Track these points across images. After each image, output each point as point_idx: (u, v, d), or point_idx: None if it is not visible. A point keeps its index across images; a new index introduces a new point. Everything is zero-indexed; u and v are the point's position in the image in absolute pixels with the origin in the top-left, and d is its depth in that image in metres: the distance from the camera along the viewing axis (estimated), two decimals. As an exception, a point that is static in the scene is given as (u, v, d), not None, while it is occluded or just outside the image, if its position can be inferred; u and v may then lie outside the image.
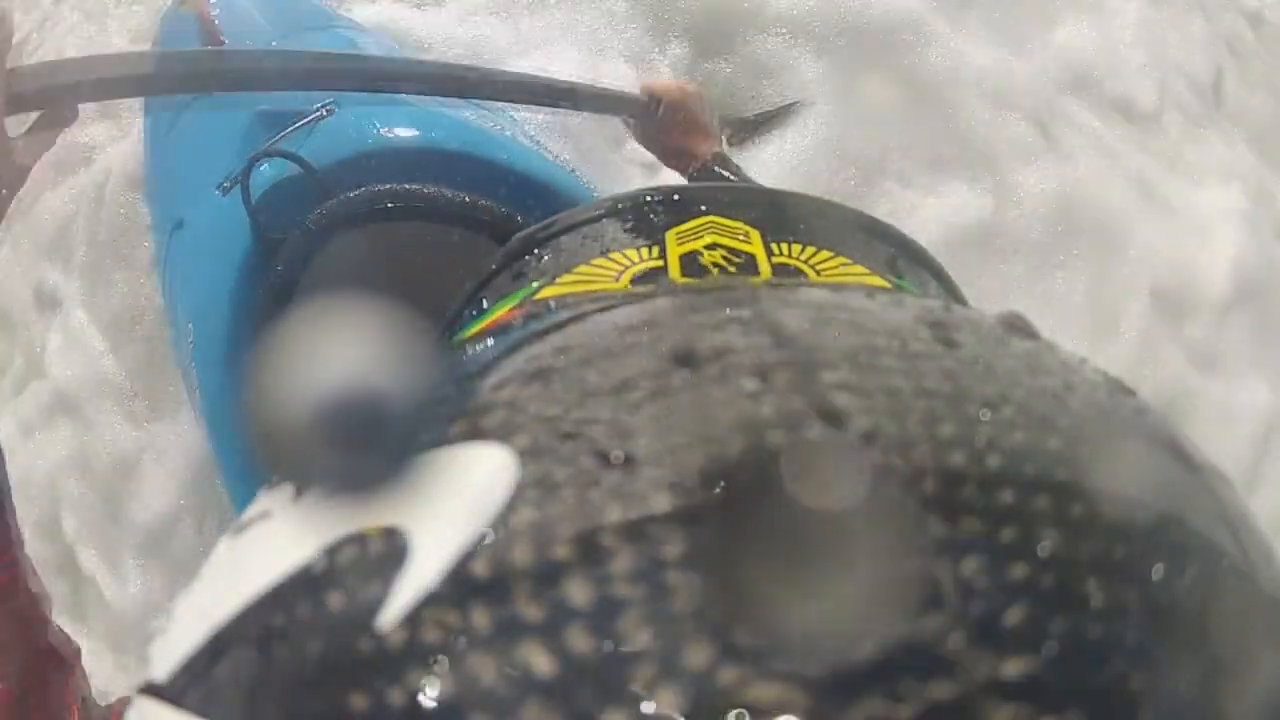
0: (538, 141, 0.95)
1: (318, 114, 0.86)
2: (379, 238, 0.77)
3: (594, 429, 0.22)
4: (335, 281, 0.76)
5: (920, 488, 0.20)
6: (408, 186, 0.77)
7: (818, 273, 0.40)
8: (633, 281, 0.39)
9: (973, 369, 0.24)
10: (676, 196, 0.46)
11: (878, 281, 0.41)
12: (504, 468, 0.21)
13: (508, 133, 0.91)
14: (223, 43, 1.02)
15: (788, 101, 1.30)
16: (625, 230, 0.44)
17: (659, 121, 0.87)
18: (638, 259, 0.41)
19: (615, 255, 0.42)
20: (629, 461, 0.21)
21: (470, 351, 0.27)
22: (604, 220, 0.45)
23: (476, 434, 0.22)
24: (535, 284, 0.43)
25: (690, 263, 0.40)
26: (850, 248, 0.42)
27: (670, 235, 0.42)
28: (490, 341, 0.27)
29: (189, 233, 0.91)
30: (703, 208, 0.44)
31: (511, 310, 0.41)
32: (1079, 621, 0.19)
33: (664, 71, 1.43)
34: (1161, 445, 0.25)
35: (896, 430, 0.21)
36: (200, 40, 1.05)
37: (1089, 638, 0.19)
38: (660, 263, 0.40)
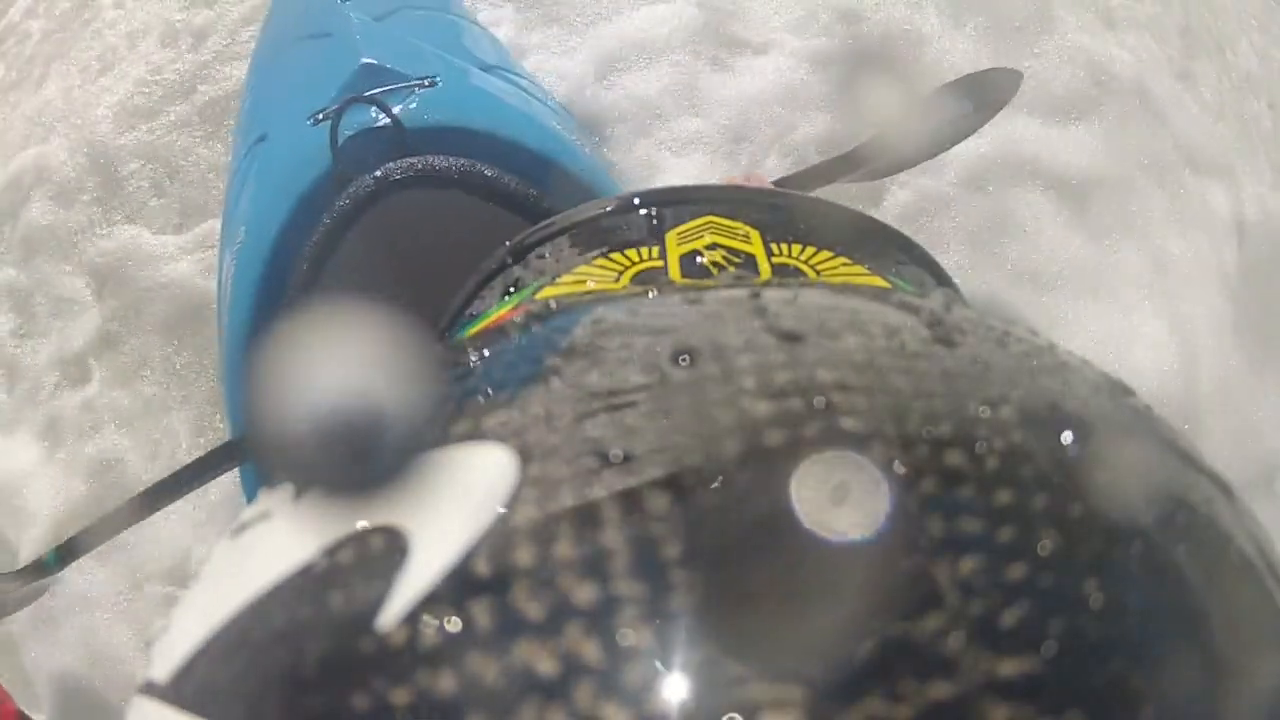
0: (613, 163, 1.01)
1: (420, 81, 0.92)
2: (437, 203, 0.80)
3: (593, 428, 0.21)
4: (386, 231, 0.80)
5: (919, 487, 0.20)
6: (480, 165, 0.80)
7: (817, 273, 0.39)
8: (633, 281, 0.39)
9: (971, 369, 0.24)
10: (677, 197, 0.45)
11: (878, 281, 0.40)
12: (504, 467, 0.21)
13: (588, 149, 0.97)
14: None
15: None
16: (625, 230, 0.43)
17: None
18: (638, 259, 0.40)
19: (615, 256, 0.41)
20: (628, 460, 0.20)
21: (470, 351, 0.26)
22: (604, 220, 0.45)
23: (477, 434, 0.22)
24: (535, 284, 0.42)
25: (690, 263, 0.40)
26: (850, 248, 0.42)
27: (670, 235, 0.42)
28: (490, 341, 0.26)
29: (270, 148, 0.95)
30: (704, 208, 0.43)
31: (512, 310, 0.41)
32: (1078, 621, 0.19)
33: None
34: (1160, 446, 0.24)
35: (895, 429, 0.21)
36: None
37: (1088, 638, 0.19)
38: (660, 263, 0.40)
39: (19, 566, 0.95)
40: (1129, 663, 0.19)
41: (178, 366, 1.43)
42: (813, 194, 0.49)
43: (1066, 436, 0.22)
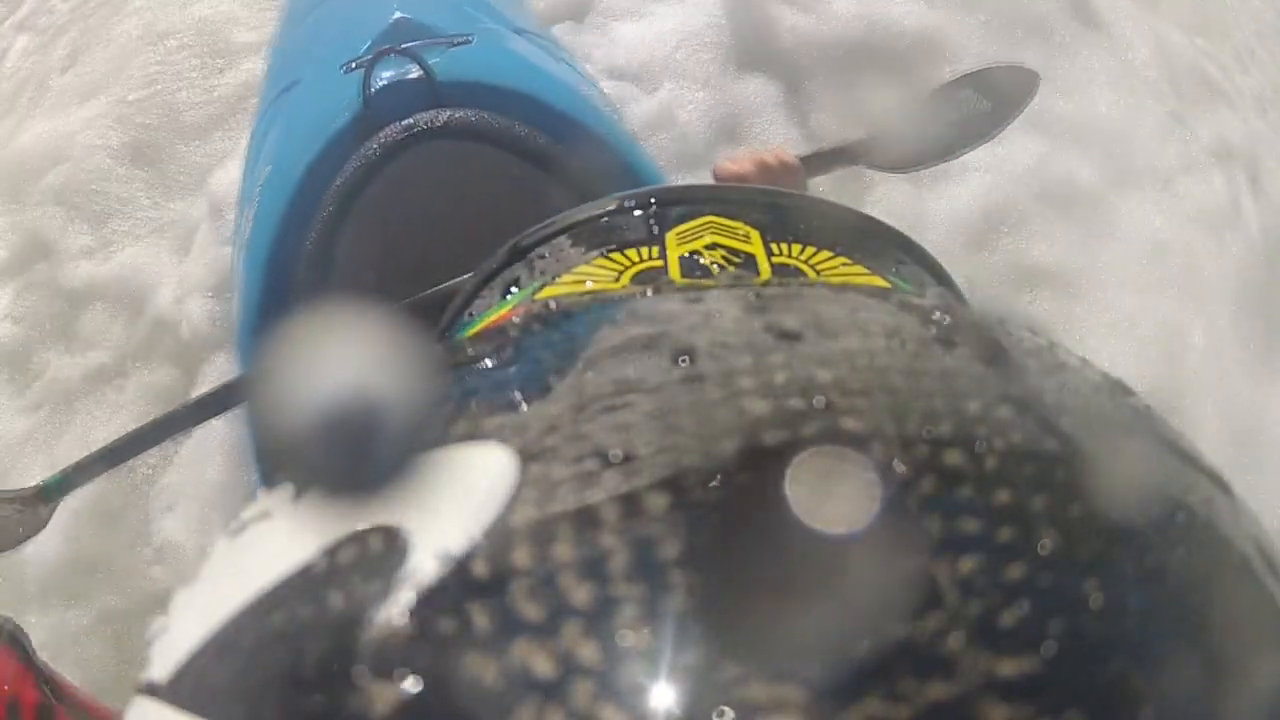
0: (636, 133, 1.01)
1: (453, 39, 0.93)
2: (465, 155, 0.81)
3: (593, 428, 0.21)
4: (412, 178, 0.81)
5: (918, 487, 0.20)
6: (509, 120, 0.81)
7: (817, 272, 0.40)
8: (633, 281, 0.39)
9: (970, 369, 0.24)
10: (677, 196, 0.45)
11: (878, 281, 0.40)
12: (504, 467, 0.21)
13: (613, 116, 0.98)
14: None
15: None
16: (626, 230, 0.43)
17: None
18: (637, 259, 0.40)
19: (615, 255, 0.41)
20: (628, 460, 0.20)
21: (471, 352, 0.26)
22: (604, 220, 0.44)
23: (477, 434, 0.22)
24: (535, 284, 0.42)
25: (690, 263, 0.40)
26: (850, 248, 0.41)
27: (671, 235, 0.42)
28: (490, 341, 0.26)
29: (300, 94, 0.96)
30: (704, 208, 0.43)
31: (512, 310, 0.41)
32: (1078, 621, 0.19)
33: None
34: (1160, 445, 0.24)
35: (894, 429, 0.21)
36: None
37: (1088, 638, 0.19)
38: (660, 263, 0.40)
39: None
40: (1129, 663, 0.19)
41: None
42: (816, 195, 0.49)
43: (1065, 436, 0.22)
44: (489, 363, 0.25)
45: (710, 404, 0.21)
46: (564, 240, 0.44)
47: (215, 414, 0.87)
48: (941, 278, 0.46)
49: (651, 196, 0.45)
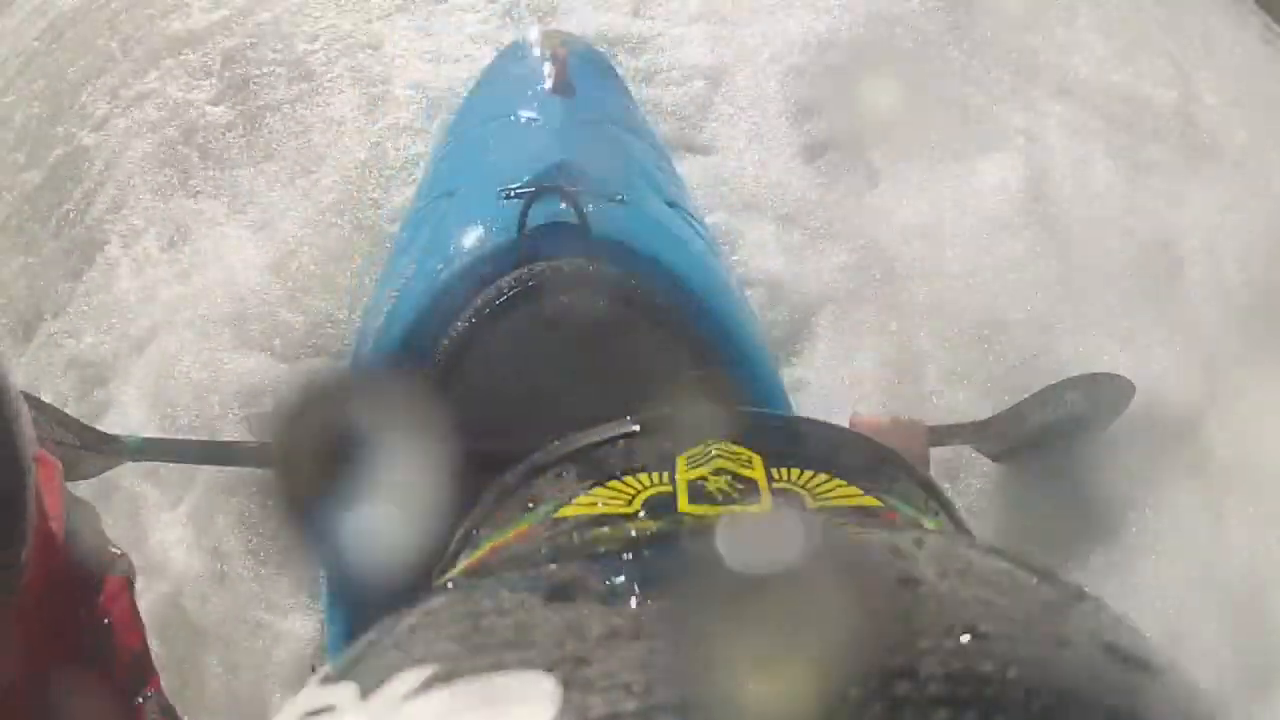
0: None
1: (612, 195, 0.96)
2: (601, 310, 0.82)
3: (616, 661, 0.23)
4: (548, 316, 0.82)
5: (869, 713, 0.21)
6: (652, 288, 0.83)
7: (814, 496, 0.43)
8: (643, 506, 0.42)
9: (925, 605, 0.25)
10: (687, 422, 0.48)
11: (870, 501, 0.43)
12: (546, 698, 0.22)
13: (746, 305, 1.00)
14: (572, 91, 1.15)
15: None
16: (640, 452, 0.47)
17: None
18: (649, 484, 0.44)
19: (629, 480, 0.44)
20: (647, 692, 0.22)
21: (491, 578, 0.28)
22: (620, 445, 0.48)
23: (511, 663, 0.23)
24: (553, 503, 0.45)
25: (697, 489, 0.43)
26: (847, 470, 0.45)
27: (681, 460, 0.45)
28: (510, 562, 0.29)
29: (456, 205, 0.99)
30: (712, 432, 0.47)
31: (530, 529, 0.43)
32: None
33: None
34: (1100, 660, 0.25)
35: (842, 655, 0.22)
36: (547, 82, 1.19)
37: None
38: (669, 488, 0.43)
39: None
40: None
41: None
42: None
43: (1010, 678, 0.23)
44: (520, 588, 0.27)
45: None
46: (581, 460, 0.47)
47: None
48: (940, 499, 0.50)
49: (665, 421, 0.48)
